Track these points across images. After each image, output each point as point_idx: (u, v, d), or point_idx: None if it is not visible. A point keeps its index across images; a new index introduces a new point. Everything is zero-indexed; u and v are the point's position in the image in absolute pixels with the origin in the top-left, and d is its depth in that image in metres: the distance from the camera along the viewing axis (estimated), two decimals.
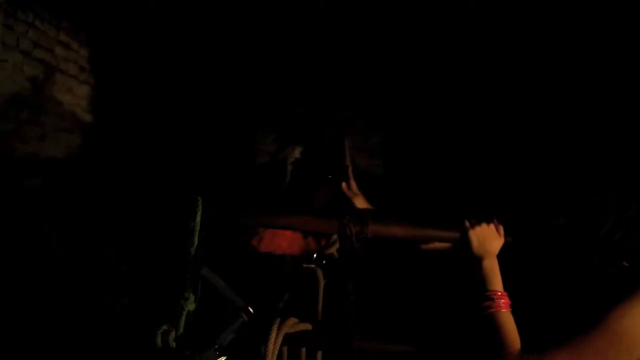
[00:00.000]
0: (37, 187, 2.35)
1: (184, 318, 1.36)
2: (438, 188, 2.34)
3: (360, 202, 1.60)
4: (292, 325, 1.40)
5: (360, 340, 1.44)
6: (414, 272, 1.58)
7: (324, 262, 1.63)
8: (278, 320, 1.38)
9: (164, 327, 1.33)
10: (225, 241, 1.55)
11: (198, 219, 1.39)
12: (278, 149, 1.82)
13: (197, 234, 1.38)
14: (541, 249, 1.30)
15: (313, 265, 1.62)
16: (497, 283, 1.25)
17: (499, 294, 1.23)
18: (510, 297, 1.26)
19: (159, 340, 1.32)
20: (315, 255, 1.61)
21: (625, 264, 1.18)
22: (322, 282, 1.60)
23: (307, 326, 1.43)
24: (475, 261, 1.28)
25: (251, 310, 1.44)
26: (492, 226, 1.32)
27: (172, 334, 1.34)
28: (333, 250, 1.66)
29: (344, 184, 1.70)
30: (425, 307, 1.57)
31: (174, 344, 1.33)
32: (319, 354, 1.46)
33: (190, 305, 1.36)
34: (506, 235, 1.35)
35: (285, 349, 1.43)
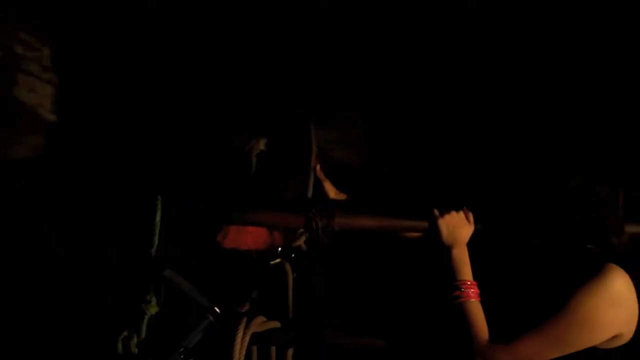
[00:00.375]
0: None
1: (146, 322, 1.30)
2: (416, 178, 2.31)
3: (331, 193, 1.56)
4: (260, 324, 1.36)
5: (331, 335, 1.41)
6: (386, 263, 1.54)
7: (292, 255, 1.58)
8: (245, 319, 1.34)
9: (125, 333, 1.27)
10: (189, 239, 1.49)
11: (158, 218, 1.33)
12: (243, 141, 1.76)
13: (157, 234, 1.33)
14: (541, 248, 1.25)
15: (279, 260, 1.57)
16: (466, 272, 1.22)
17: (469, 283, 1.20)
18: (480, 285, 1.24)
19: (119, 347, 1.27)
20: (280, 249, 1.55)
21: (589, 246, 1.15)
22: (290, 277, 1.55)
23: (276, 324, 1.39)
24: (445, 250, 1.25)
25: (218, 310, 1.39)
26: (461, 214, 1.29)
27: (134, 340, 1.28)
28: (301, 242, 1.60)
29: (318, 171, 1.65)
30: (398, 298, 1.53)
31: (136, 350, 1.27)
32: (290, 352, 1.41)
33: (152, 309, 1.31)
34: (476, 223, 1.32)
35: (254, 348, 1.38)
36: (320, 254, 1.33)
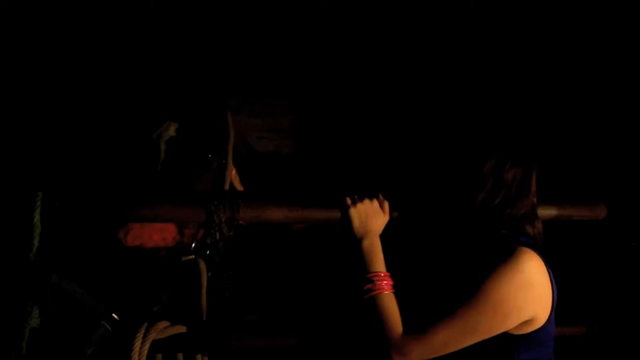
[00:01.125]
0: None
1: (26, 337, 1.15)
2: (339, 165, 2.25)
3: (237, 185, 1.44)
4: (163, 329, 1.24)
5: (244, 337, 1.31)
6: (301, 256, 1.46)
7: (207, 252, 1.45)
8: (145, 325, 1.21)
9: None
10: (82, 239, 1.33)
11: (37, 217, 1.17)
12: (151, 126, 1.59)
13: (37, 235, 1.17)
14: (456, 235, 1.19)
15: (193, 257, 1.44)
16: (379, 264, 1.16)
17: (382, 275, 1.14)
18: (397, 275, 1.18)
19: None
20: (193, 245, 1.42)
21: (503, 231, 1.12)
22: (205, 276, 1.43)
23: (182, 328, 1.27)
24: (357, 241, 1.18)
25: (116, 317, 1.26)
26: (375, 203, 1.22)
27: (12, 358, 1.12)
28: (217, 237, 1.48)
29: (234, 175, 1.53)
30: (314, 293, 1.45)
31: None
32: (199, 358, 1.30)
33: (34, 321, 1.15)
34: (393, 211, 1.26)
35: (159, 357, 1.26)
36: (225, 252, 1.22)
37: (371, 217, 1.20)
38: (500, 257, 1.06)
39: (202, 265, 1.43)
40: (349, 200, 1.22)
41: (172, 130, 1.64)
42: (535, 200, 1.19)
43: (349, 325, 1.27)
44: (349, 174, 2.16)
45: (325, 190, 1.43)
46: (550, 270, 1.13)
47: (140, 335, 1.19)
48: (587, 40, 1.59)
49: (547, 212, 1.39)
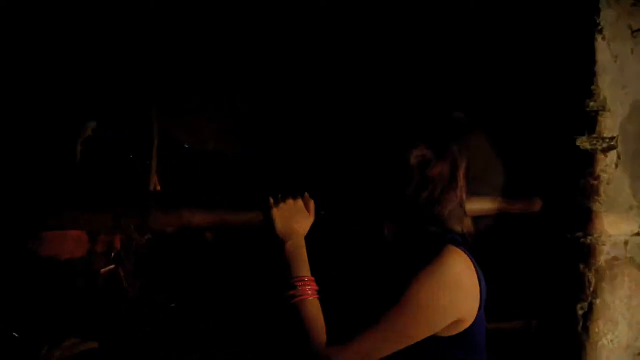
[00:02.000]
0: None
1: None
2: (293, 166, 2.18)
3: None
4: (70, 346, 1.13)
5: (165, 349, 1.22)
6: (227, 261, 1.38)
7: (130, 260, 1.36)
8: (47, 345, 1.10)
9: None
10: None
11: None
12: (67, 125, 1.47)
13: None
14: (386, 234, 1.13)
15: (113, 266, 1.34)
16: (302, 268, 1.09)
17: (305, 279, 1.07)
18: (324, 279, 1.12)
19: None
20: (113, 254, 1.32)
21: (432, 229, 1.07)
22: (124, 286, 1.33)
23: (94, 344, 1.17)
24: (279, 244, 1.11)
25: (16, 335, 1.13)
26: (299, 202, 1.16)
27: None
28: (140, 244, 1.38)
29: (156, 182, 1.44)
30: (240, 300, 1.37)
31: None
32: None
33: None
34: (320, 210, 1.19)
35: None
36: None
37: (295, 217, 1.13)
38: (426, 257, 1.01)
39: (122, 275, 1.34)
40: (271, 200, 1.14)
41: (89, 130, 1.52)
42: (463, 196, 1.15)
43: (275, 334, 1.20)
44: (288, 173, 2.10)
45: (260, 190, 1.36)
46: (478, 268, 1.09)
47: (42, 354, 1.08)
48: (516, 37, 1.59)
49: (482, 206, 1.37)
